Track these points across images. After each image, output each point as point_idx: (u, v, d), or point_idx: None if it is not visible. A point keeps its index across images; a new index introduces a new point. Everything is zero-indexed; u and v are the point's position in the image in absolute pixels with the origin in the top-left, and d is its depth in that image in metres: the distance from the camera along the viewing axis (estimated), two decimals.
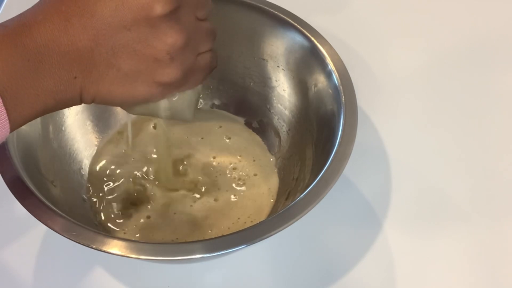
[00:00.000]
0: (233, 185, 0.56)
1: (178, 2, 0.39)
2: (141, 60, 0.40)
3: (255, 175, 0.56)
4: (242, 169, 0.57)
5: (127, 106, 0.45)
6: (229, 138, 0.59)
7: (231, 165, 0.57)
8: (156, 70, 0.40)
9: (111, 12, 0.38)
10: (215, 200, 0.55)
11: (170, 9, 0.38)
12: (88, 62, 0.38)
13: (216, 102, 0.62)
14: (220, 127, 0.60)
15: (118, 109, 0.59)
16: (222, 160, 0.57)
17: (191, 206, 0.54)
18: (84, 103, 0.41)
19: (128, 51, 0.39)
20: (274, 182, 0.56)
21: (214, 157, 0.58)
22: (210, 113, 0.61)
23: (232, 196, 0.55)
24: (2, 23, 0.38)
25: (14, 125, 0.37)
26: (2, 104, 0.36)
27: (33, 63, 0.37)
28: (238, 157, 0.58)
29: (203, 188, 0.55)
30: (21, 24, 0.37)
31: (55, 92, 0.38)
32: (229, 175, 0.56)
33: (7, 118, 0.36)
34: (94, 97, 0.41)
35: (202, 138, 0.59)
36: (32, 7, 0.39)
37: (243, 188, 0.56)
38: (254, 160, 0.58)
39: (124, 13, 0.38)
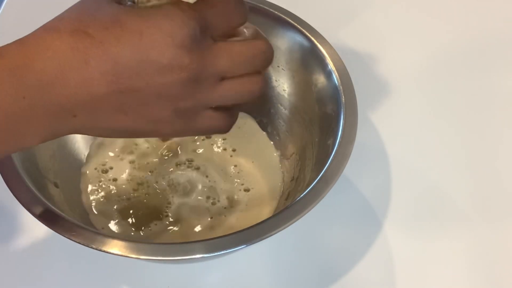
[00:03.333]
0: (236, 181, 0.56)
1: (205, 67, 0.38)
2: (146, 114, 0.38)
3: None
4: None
5: None
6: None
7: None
8: (158, 125, 0.39)
9: (133, 62, 0.36)
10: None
11: (191, 74, 0.37)
12: (95, 105, 0.37)
13: None
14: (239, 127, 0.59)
15: None
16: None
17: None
18: (73, 134, 0.40)
19: (139, 103, 0.38)
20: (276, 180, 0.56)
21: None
22: None
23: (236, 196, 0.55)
24: (0, 51, 0.35)
25: None
26: None
27: (31, 100, 0.34)
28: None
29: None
30: (24, 54, 0.35)
31: (46, 129, 0.37)
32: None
33: None
34: (87, 132, 0.40)
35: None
36: (39, 33, 0.36)
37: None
38: (253, 161, 0.58)
39: (144, 66, 0.36)
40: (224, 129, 0.42)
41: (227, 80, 0.39)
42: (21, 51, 0.35)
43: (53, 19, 0.37)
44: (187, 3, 0.37)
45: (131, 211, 0.54)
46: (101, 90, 0.36)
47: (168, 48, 0.36)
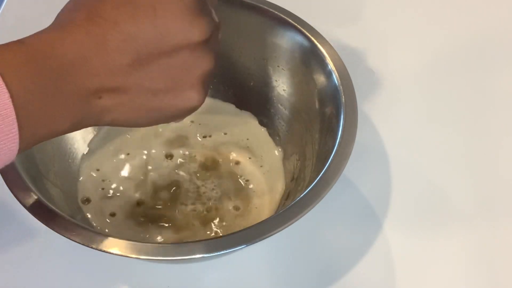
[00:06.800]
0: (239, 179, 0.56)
1: (212, 28, 0.38)
2: (176, 87, 0.39)
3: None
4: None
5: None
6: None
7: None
8: (187, 95, 0.39)
9: (153, 37, 0.36)
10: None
11: (207, 36, 0.38)
12: (119, 84, 0.37)
13: None
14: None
15: None
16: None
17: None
18: (98, 125, 0.39)
19: (165, 77, 0.38)
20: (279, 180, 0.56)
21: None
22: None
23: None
24: (20, 39, 0.35)
25: (23, 145, 0.35)
26: (16, 121, 0.33)
27: (55, 82, 0.35)
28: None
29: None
30: (44, 41, 0.35)
31: (73, 112, 0.36)
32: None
33: (18, 136, 0.34)
34: (112, 121, 0.39)
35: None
36: (53, 26, 0.37)
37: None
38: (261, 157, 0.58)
39: (165, 39, 0.37)
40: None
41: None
42: (41, 40, 0.35)
43: (62, 13, 0.38)
44: None
45: (130, 211, 0.54)
46: (124, 69, 0.36)
47: (185, 17, 0.37)
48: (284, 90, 0.58)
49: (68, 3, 0.38)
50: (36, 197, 0.44)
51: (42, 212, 0.44)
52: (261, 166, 0.57)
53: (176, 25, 0.37)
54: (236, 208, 0.54)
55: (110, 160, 0.57)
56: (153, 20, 0.36)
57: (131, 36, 0.36)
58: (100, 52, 0.36)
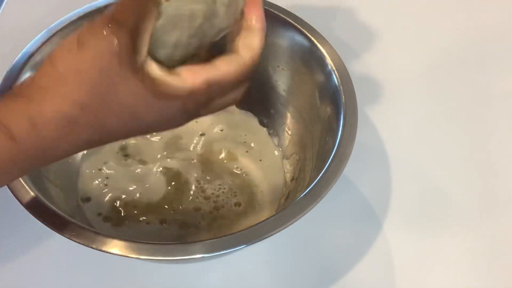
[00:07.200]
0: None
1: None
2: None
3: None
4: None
5: None
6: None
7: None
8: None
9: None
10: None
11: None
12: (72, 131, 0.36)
13: None
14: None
15: None
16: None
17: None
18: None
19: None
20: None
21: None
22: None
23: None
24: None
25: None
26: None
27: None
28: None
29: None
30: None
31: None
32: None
33: None
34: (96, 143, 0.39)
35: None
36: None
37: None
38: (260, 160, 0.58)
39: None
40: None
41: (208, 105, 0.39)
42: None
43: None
44: None
45: (130, 210, 0.54)
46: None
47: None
48: (284, 90, 0.58)
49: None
50: (36, 197, 0.44)
51: (42, 212, 0.44)
52: (261, 165, 0.57)
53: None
54: (238, 204, 0.54)
55: (110, 160, 0.57)
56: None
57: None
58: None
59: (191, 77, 0.37)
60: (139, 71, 0.35)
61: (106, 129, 0.37)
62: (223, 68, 0.38)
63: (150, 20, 0.35)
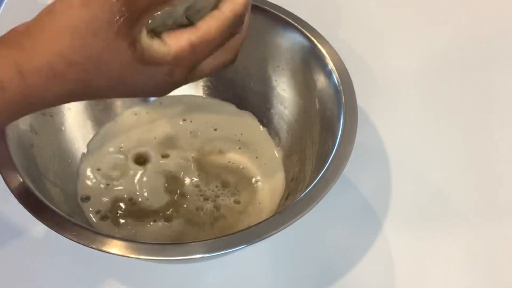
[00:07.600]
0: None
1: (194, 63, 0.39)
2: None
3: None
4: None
5: None
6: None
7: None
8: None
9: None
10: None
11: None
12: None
13: None
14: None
15: (119, 108, 0.59)
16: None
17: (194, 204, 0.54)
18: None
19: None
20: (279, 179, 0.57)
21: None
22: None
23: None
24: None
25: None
26: None
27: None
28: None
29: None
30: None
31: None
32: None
33: None
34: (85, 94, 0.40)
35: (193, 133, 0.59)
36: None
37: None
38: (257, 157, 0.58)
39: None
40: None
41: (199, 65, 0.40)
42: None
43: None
44: None
45: (130, 210, 0.54)
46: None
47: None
48: (284, 90, 0.58)
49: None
50: (36, 198, 0.44)
51: (42, 212, 0.44)
52: (261, 165, 0.57)
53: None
54: (237, 202, 0.54)
55: (110, 160, 0.57)
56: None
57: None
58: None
59: (174, 42, 0.37)
60: (131, 43, 0.36)
61: (93, 88, 0.37)
62: (204, 26, 0.38)
63: (160, 9, 0.36)
